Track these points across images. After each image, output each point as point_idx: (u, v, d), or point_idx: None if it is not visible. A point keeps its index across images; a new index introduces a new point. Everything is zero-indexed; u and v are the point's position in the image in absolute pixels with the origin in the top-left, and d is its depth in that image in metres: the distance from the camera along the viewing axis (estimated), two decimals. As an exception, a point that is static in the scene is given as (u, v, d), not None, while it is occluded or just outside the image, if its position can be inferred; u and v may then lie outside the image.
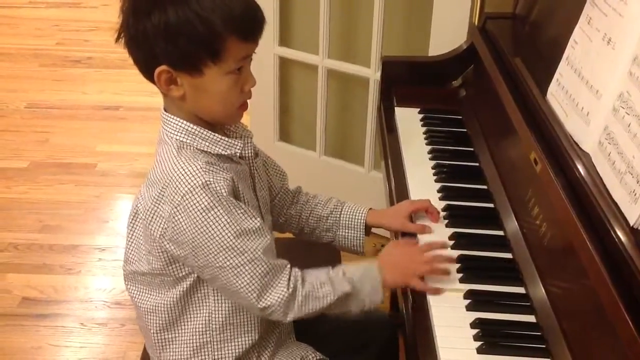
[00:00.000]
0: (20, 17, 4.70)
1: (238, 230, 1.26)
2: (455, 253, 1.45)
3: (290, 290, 1.29)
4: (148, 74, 1.28)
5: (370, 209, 1.58)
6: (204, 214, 1.24)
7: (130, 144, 3.43)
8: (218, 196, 1.25)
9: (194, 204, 1.24)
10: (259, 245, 1.27)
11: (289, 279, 1.30)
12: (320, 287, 1.32)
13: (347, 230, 1.57)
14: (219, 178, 1.26)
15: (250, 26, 1.27)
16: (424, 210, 1.56)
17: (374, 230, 1.60)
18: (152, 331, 1.41)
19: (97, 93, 3.88)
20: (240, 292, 1.28)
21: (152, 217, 1.29)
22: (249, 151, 1.38)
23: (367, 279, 1.35)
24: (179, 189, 1.25)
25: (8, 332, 2.40)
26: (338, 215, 1.57)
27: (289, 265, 1.32)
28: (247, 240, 1.26)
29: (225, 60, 1.25)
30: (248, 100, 1.34)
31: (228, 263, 1.26)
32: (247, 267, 1.26)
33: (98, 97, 3.84)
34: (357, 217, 1.56)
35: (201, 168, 1.26)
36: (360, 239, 1.57)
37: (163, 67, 1.25)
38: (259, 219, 1.30)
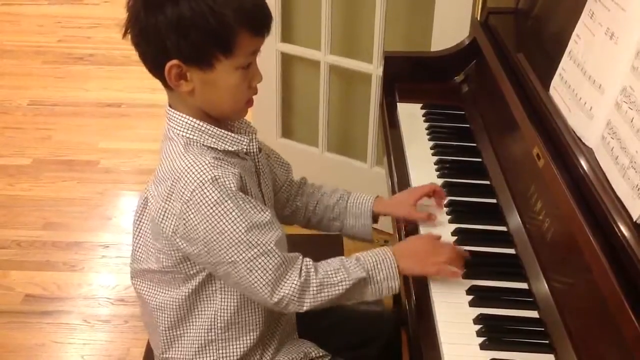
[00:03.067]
0: (22, 14, 4.70)
1: (249, 224, 1.25)
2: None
3: (302, 279, 1.29)
4: (156, 69, 1.28)
5: (377, 197, 1.58)
6: (214, 208, 1.24)
7: (132, 140, 3.44)
8: (227, 191, 1.25)
9: (204, 199, 1.24)
10: (270, 238, 1.27)
11: (301, 269, 1.30)
12: (335, 274, 1.31)
13: (354, 219, 1.57)
14: (227, 173, 1.26)
15: (260, 20, 1.28)
16: (430, 193, 1.56)
17: (377, 226, 1.60)
18: (160, 328, 1.42)
19: (100, 90, 3.88)
20: (253, 287, 1.28)
21: (164, 215, 1.29)
22: (254, 147, 1.38)
23: (382, 265, 1.34)
24: (188, 184, 1.25)
25: (11, 330, 2.40)
26: (345, 204, 1.57)
27: (301, 257, 1.32)
28: (259, 233, 1.26)
29: (236, 55, 1.26)
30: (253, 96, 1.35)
31: (241, 257, 1.26)
32: (259, 261, 1.26)
33: (100, 94, 3.84)
34: (364, 205, 1.56)
35: (209, 163, 1.26)
36: (368, 227, 1.57)
37: (174, 62, 1.25)
38: (268, 212, 1.30)
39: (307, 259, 1.33)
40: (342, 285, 1.31)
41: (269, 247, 1.27)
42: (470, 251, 1.44)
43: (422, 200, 1.57)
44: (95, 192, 3.09)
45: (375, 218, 1.58)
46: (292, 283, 1.28)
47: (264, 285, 1.27)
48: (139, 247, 1.41)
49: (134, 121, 3.61)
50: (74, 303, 2.52)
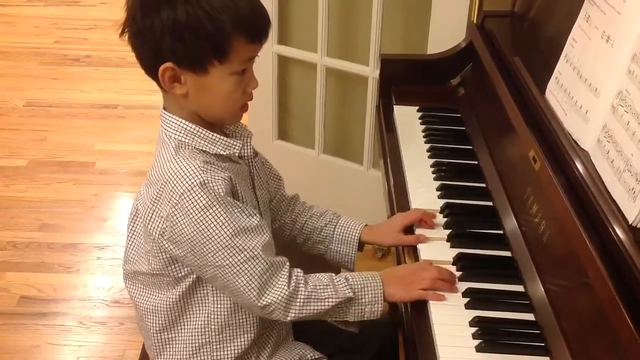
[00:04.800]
0: (18, 16, 4.69)
1: (236, 229, 1.25)
2: (454, 251, 1.45)
3: (292, 288, 1.29)
4: (151, 70, 1.28)
5: (366, 225, 1.56)
6: (201, 213, 1.24)
7: (128, 142, 3.43)
8: (215, 195, 1.25)
9: (192, 203, 1.24)
10: (257, 242, 1.27)
11: (290, 277, 1.30)
12: (323, 289, 1.32)
13: (340, 245, 1.55)
14: (216, 177, 1.26)
15: (257, 27, 1.27)
16: (417, 221, 1.54)
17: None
18: (151, 331, 1.41)
19: (96, 91, 3.88)
20: (240, 291, 1.28)
21: (151, 217, 1.29)
22: (248, 151, 1.38)
23: (369, 288, 1.34)
24: (176, 188, 1.25)
25: (6, 331, 2.40)
26: (332, 229, 1.55)
27: (288, 263, 1.32)
28: (246, 238, 1.26)
29: (231, 61, 1.25)
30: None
31: (227, 262, 1.26)
32: (246, 265, 1.26)
33: (97, 96, 3.83)
34: (351, 233, 1.55)
35: (199, 167, 1.26)
36: (352, 255, 1.55)
37: (168, 64, 1.25)
38: (257, 216, 1.30)
39: (298, 270, 1.33)
40: (328, 301, 1.32)
41: (255, 252, 1.27)
42: (465, 254, 1.44)
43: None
44: (91, 194, 3.09)
45: (361, 246, 1.56)
46: (280, 291, 1.29)
47: (250, 289, 1.27)
48: (132, 249, 1.41)
49: (130, 123, 3.61)
50: (70, 305, 2.52)
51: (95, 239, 2.83)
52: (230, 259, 1.26)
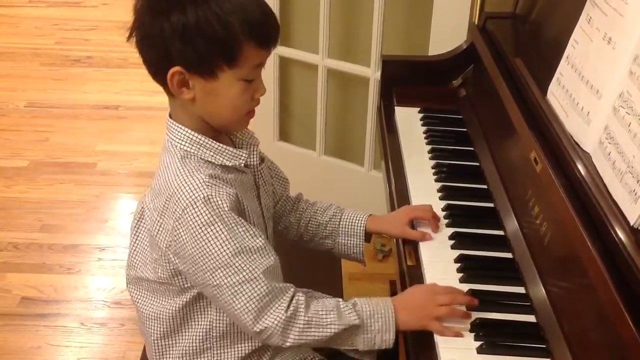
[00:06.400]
0: (20, 16, 4.70)
1: (238, 248, 1.23)
2: (455, 253, 1.45)
3: (289, 313, 1.25)
4: (159, 74, 1.26)
5: (370, 215, 1.56)
6: (203, 229, 1.22)
7: (130, 143, 3.44)
8: (219, 211, 1.23)
9: (194, 218, 1.22)
10: (259, 264, 1.24)
11: (290, 302, 1.26)
12: (326, 315, 1.27)
13: (346, 238, 1.54)
14: (221, 192, 1.24)
15: (267, 33, 1.26)
16: (425, 219, 1.53)
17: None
18: (152, 337, 1.41)
19: (97, 92, 3.88)
20: (237, 313, 1.25)
21: (159, 229, 1.28)
22: (254, 160, 1.37)
23: (379, 316, 1.29)
24: (180, 202, 1.24)
25: (7, 332, 2.40)
26: (337, 222, 1.55)
27: (292, 289, 1.28)
28: (247, 258, 1.23)
29: (240, 66, 1.24)
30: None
31: (225, 281, 1.23)
32: (244, 287, 1.23)
33: (98, 97, 3.84)
34: (357, 224, 1.54)
35: (204, 181, 1.24)
36: (360, 246, 1.55)
37: (177, 69, 1.23)
38: (261, 238, 1.26)
39: (300, 294, 1.29)
40: (330, 328, 1.27)
41: (255, 274, 1.23)
42: (467, 255, 1.44)
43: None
44: (92, 195, 3.09)
45: (367, 237, 1.55)
46: (278, 315, 1.24)
47: (246, 312, 1.24)
48: (136, 254, 1.40)
49: (131, 124, 3.61)
50: (71, 306, 2.52)
51: (96, 240, 2.83)
52: (228, 279, 1.23)
